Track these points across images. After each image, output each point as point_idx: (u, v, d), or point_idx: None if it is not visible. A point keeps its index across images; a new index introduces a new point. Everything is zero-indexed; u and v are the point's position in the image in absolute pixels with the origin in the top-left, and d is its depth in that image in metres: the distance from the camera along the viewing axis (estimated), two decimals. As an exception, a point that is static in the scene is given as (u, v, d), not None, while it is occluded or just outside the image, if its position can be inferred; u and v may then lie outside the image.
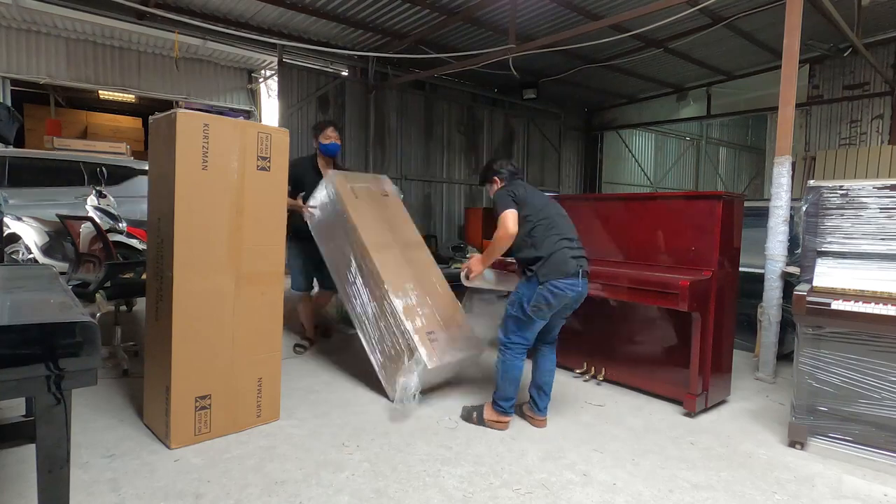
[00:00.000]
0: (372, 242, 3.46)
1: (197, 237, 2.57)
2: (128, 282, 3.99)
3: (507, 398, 2.91)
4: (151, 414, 2.78)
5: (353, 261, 3.51)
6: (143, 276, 4.04)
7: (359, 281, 3.48)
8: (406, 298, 3.34)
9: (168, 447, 2.54)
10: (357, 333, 3.52)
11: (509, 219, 2.79)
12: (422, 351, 3.12)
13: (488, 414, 2.95)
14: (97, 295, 3.55)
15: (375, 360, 3.39)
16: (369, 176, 4.12)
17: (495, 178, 3.12)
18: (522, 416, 3.06)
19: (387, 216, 3.79)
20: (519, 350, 2.90)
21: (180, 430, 2.57)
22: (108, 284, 3.66)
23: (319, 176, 3.98)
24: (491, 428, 2.91)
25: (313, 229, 3.84)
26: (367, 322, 3.43)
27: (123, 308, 4.06)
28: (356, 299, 3.51)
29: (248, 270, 2.75)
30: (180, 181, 2.49)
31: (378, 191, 3.95)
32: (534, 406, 3.00)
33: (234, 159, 2.66)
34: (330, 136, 4.04)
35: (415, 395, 2.97)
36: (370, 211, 3.69)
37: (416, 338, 3.16)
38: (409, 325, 3.21)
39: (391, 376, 3.24)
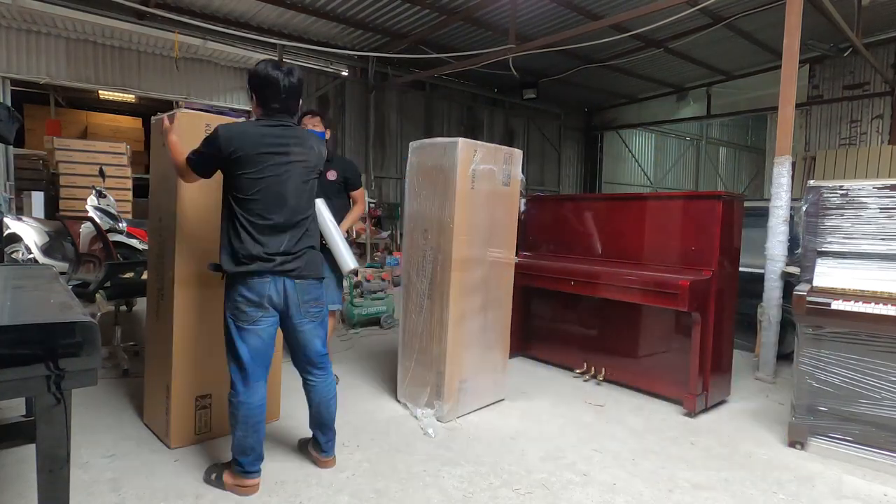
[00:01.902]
0: (459, 259, 2.96)
1: (199, 237, 2.57)
2: (128, 282, 3.99)
3: (244, 450, 2.17)
4: (151, 413, 2.78)
5: (431, 255, 3.04)
6: (144, 276, 4.05)
7: (424, 281, 3.08)
8: (460, 334, 3.03)
9: (168, 447, 2.54)
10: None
11: (185, 172, 2.21)
12: (445, 407, 3.00)
13: (227, 476, 2.22)
14: (97, 295, 3.55)
15: (403, 351, 3.23)
16: (502, 151, 3.18)
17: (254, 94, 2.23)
18: (308, 455, 2.49)
19: (494, 218, 3.16)
20: (236, 378, 2.18)
21: (180, 429, 2.57)
22: (107, 284, 3.67)
23: None
24: (234, 493, 2.19)
25: (410, 167, 3.17)
26: (414, 314, 3.15)
27: (123, 308, 4.06)
28: (417, 285, 3.13)
29: None
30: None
31: (500, 177, 3.16)
32: (316, 446, 2.45)
33: None
34: (307, 125, 3.41)
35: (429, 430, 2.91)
36: (479, 211, 3.05)
37: (445, 389, 2.99)
38: (447, 370, 2.98)
39: (407, 377, 3.21)
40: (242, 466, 2.19)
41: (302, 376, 2.40)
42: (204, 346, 2.61)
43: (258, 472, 2.22)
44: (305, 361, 2.35)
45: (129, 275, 4.07)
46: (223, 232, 2.19)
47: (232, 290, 2.15)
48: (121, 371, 3.56)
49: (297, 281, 2.20)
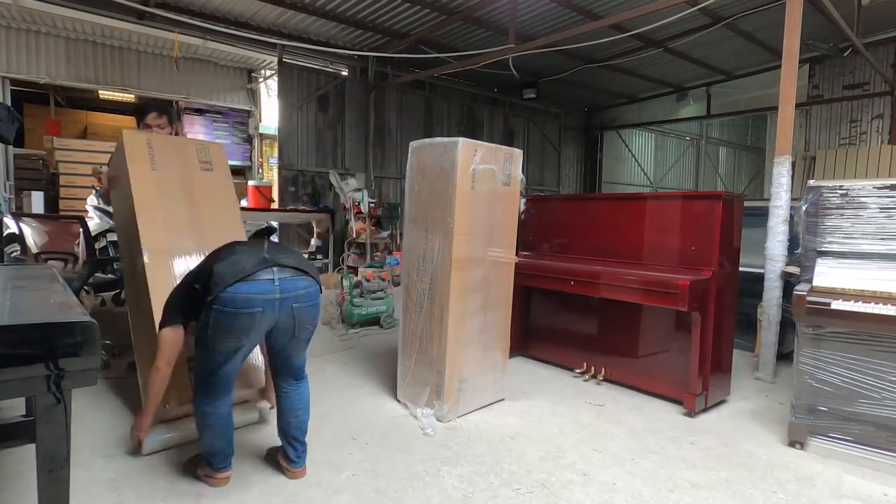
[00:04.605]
0: (459, 258, 2.96)
1: (159, 220, 2.84)
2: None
3: (213, 453, 2.25)
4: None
5: (431, 254, 3.04)
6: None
7: (424, 281, 3.07)
8: (460, 333, 3.03)
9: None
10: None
11: (167, 342, 2.25)
12: (444, 407, 3.00)
13: (203, 467, 2.31)
14: (82, 291, 3.58)
15: (403, 351, 3.23)
16: (502, 151, 3.18)
17: None
18: (279, 465, 2.41)
19: (494, 218, 3.16)
20: (202, 389, 2.21)
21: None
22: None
23: None
24: (205, 483, 2.28)
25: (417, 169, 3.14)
26: (414, 314, 3.15)
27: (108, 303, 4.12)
28: (417, 284, 3.13)
29: None
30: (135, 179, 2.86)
31: (501, 177, 3.15)
32: (285, 457, 2.37)
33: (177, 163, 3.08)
34: (151, 126, 3.39)
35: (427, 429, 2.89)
36: (479, 211, 3.06)
37: (445, 389, 2.99)
38: (446, 369, 2.98)
39: (407, 377, 3.22)
40: (213, 464, 2.26)
41: (277, 384, 2.41)
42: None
43: (228, 467, 2.29)
44: (285, 371, 2.38)
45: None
46: None
47: None
48: (102, 363, 3.55)
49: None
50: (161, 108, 3.51)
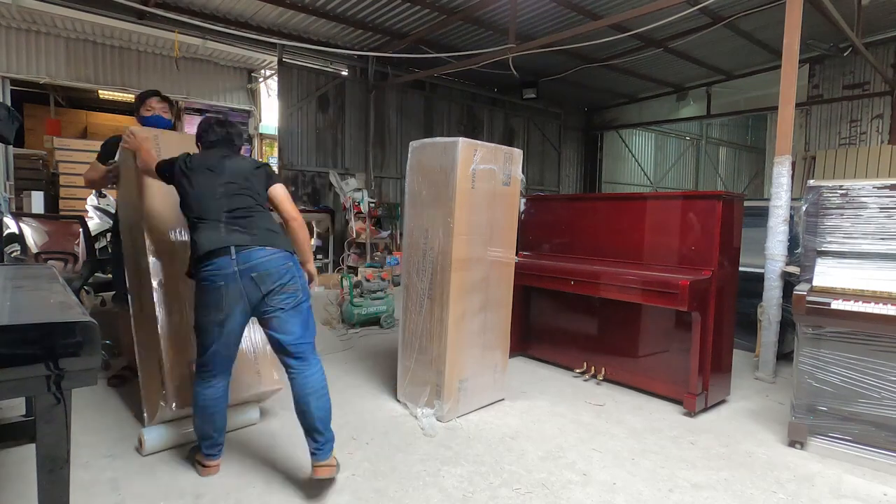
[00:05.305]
0: (459, 258, 2.96)
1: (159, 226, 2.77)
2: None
3: (201, 436, 2.32)
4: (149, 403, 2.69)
5: (431, 254, 3.05)
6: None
7: (424, 281, 3.09)
8: (460, 333, 3.03)
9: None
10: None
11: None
12: (444, 406, 3.00)
13: (197, 452, 2.41)
14: (82, 291, 3.58)
15: (403, 351, 3.24)
16: (502, 150, 3.16)
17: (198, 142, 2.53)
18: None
19: (494, 217, 3.16)
20: (197, 370, 2.32)
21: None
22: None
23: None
24: (197, 472, 2.37)
25: (410, 169, 3.19)
26: (414, 314, 3.17)
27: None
28: (417, 284, 3.14)
29: None
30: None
31: (501, 177, 3.16)
32: (310, 453, 2.26)
33: None
34: (153, 108, 3.35)
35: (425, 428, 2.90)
36: (479, 211, 3.05)
37: (445, 389, 2.99)
38: (446, 369, 2.98)
39: (407, 376, 3.22)
40: (202, 449, 2.36)
41: (285, 367, 2.33)
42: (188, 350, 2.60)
43: (216, 455, 2.36)
44: (286, 350, 2.27)
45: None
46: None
47: None
48: (102, 363, 3.54)
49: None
50: (162, 95, 3.48)
